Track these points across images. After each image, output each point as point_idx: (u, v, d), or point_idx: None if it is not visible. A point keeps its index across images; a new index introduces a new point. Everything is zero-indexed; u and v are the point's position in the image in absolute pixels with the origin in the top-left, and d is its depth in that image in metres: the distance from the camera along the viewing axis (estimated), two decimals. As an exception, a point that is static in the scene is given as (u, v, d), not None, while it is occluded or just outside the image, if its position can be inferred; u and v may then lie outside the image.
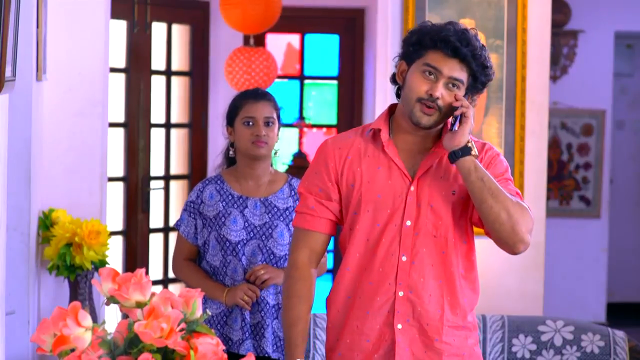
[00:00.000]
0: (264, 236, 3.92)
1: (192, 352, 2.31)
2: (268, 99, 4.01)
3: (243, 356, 3.74)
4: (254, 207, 3.96)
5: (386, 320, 3.19)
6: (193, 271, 4.01)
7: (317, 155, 3.29)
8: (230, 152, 4.04)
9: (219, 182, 4.01)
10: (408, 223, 3.16)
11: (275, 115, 3.99)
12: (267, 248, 3.92)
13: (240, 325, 3.91)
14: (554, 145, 8.90)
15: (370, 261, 3.20)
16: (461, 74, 3.10)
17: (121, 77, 6.71)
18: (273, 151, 4.04)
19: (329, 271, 7.96)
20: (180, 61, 7.26)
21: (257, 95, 4.02)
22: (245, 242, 3.92)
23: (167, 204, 7.03)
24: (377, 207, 3.18)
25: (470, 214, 3.20)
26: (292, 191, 4.00)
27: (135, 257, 6.74)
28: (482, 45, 3.13)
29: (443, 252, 3.18)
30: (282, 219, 3.94)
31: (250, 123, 3.96)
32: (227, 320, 3.95)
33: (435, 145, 3.20)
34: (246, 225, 3.93)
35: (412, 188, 3.17)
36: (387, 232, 3.17)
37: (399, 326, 3.18)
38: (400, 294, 3.17)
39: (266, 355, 3.90)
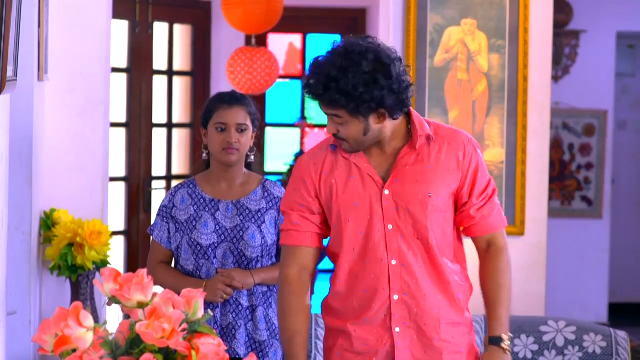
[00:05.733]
0: (235, 239, 3.87)
1: (193, 353, 2.31)
2: (242, 105, 3.93)
3: None
4: (225, 209, 3.91)
5: (383, 324, 3.22)
6: (168, 271, 3.95)
7: (294, 173, 3.35)
8: (204, 155, 4.00)
9: (191, 186, 3.96)
10: (390, 227, 3.19)
11: (248, 121, 3.92)
12: (239, 251, 3.86)
13: (212, 327, 3.85)
14: (555, 145, 8.89)
15: (361, 269, 3.22)
16: (335, 110, 3.13)
17: (123, 77, 6.71)
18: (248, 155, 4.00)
19: (326, 271, 7.97)
20: (181, 61, 7.26)
21: (231, 100, 3.94)
22: (216, 245, 3.87)
23: (168, 204, 7.02)
24: (356, 215, 3.21)
25: (454, 216, 3.25)
26: (266, 192, 3.93)
27: (137, 258, 6.73)
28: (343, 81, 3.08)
29: (428, 252, 3.20)
30: (253, 221, 3.89)
31: (223, 129, 3.91)
32: None
33: (407, 145, 3.21)
34: (217, 228, 3.88)
35: (386, 192, 3.19)
36: (372, 238, 3.20)
37: (397, 329, 3.21)
38: (395, 297, 3.20)
39: (237, 357, 3.87)
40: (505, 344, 3.20)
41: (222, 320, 3.88)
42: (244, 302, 3.89)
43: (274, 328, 3.92)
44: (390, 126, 3.18)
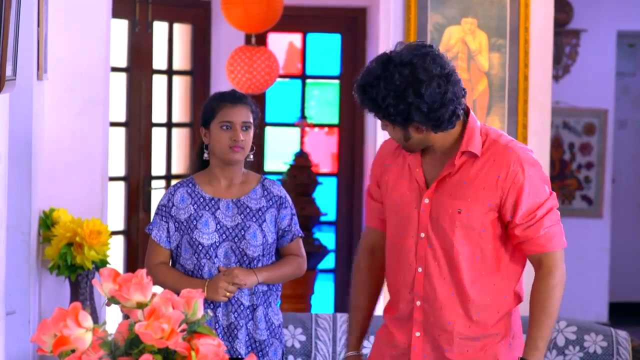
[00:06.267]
0: (236, 238, 3.85)
1: (193, 353, 2.31)
2: (245, 103, 3.93)
3: None
4: (226, 208, 3.89)
5: (406, 326, 3.27)
6: (168, 271, 3.93)
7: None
8: (205, 155, 3.97)
9: (190, 184, 3.94)
10: (422, 235, 3.21)
11: (252, 119, 3.92)
12: (240, 250, 3.85)
13: (213, 327, 3.84)
14: (556, 144, 8.89)
15: (396, 269, 3.28)
16: (377, 116, 3.18)
17: (122, 77, 6.70)
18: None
19: (330, 271, 7.95)
20: (181, 60, 7.25)
21: (234, 98, 3.93)
22: (217, 244, 3.86)
23: (168, 203, 7.01)
24: (397, 216, 3.26)
25: (500, 233, 3.20)
26: (265, 191, 3.92)
27: (137, 257, 6.73)
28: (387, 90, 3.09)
29: (453, 266, 3.19)
30: (254, 220, 3.88)
31: (228, 127, 3.89)
32: None
33: (453, 158, 3.18)
34: (218, 227, 3.86)
35: (426, 200, 3.20)
36: (406, 242, 3.24)
37: (417, 334, 3.25)
38: (418, 303, 3.24)
39: (239, 356, 3.86)
40: None
41: (224, 320, 3.87)
42: (246, 301, 3.88)
43: (273, 327, 3.92)
44: (439, 136, 3.15)
